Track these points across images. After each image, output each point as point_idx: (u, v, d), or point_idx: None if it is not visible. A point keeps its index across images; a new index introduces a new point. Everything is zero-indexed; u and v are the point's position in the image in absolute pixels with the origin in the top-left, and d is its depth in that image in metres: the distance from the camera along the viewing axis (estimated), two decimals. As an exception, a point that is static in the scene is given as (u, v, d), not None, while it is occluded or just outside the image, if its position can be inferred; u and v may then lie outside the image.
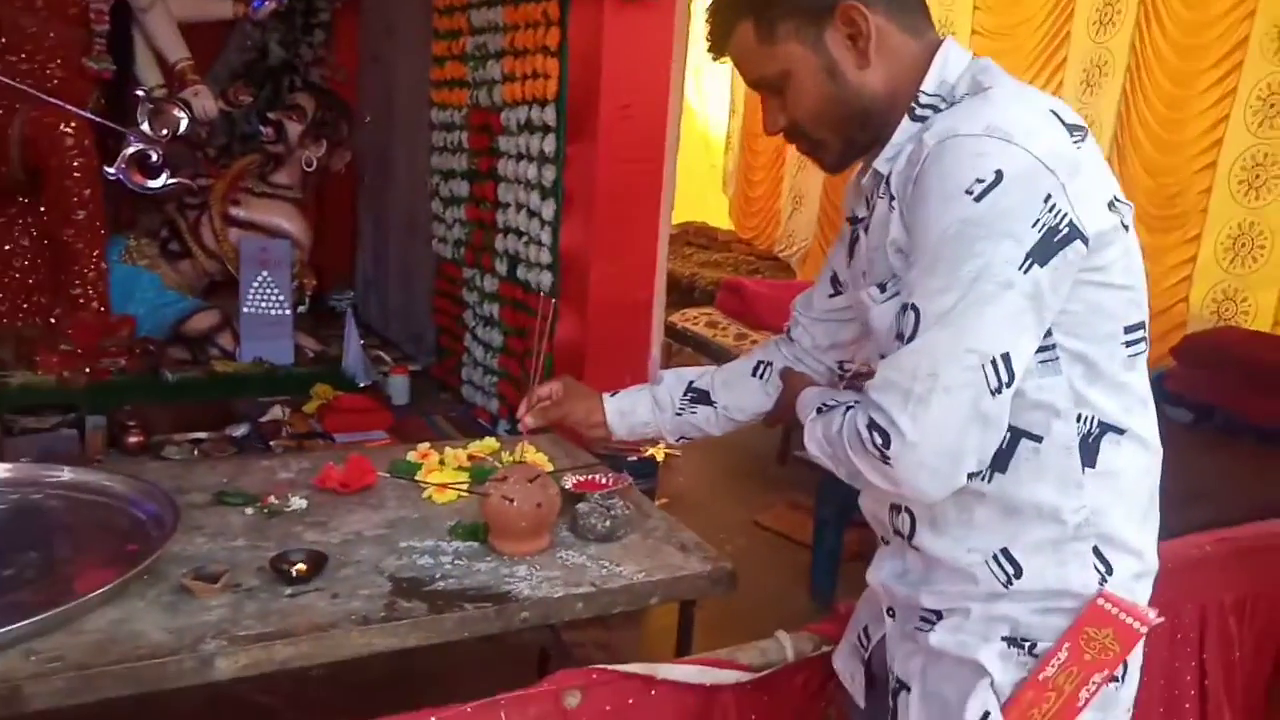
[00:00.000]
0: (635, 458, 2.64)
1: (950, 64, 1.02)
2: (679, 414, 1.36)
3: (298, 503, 1.53)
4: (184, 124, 3.31)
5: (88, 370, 3.08)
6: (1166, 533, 1.09)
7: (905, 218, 0.96)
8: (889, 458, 0.92)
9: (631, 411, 1.38)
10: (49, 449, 2.61)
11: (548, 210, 2.92)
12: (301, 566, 1.30)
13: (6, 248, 3.33)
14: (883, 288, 1.02)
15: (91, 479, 1.51)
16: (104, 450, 2.68)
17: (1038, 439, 0.97)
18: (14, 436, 2.63)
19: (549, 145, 2.88)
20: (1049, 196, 0.89)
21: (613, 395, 1.41)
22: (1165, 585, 1.09)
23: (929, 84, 1.02)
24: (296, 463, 1.73)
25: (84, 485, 1.50)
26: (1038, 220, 0.89)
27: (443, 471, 1.64)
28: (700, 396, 1.35)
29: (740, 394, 1.35)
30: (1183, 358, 3.03)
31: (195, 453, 2.70)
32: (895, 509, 1.08)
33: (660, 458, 2.79)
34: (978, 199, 0.89)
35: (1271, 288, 3.43)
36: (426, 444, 1.76)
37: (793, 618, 2.40)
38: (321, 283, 3.89)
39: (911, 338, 0.92)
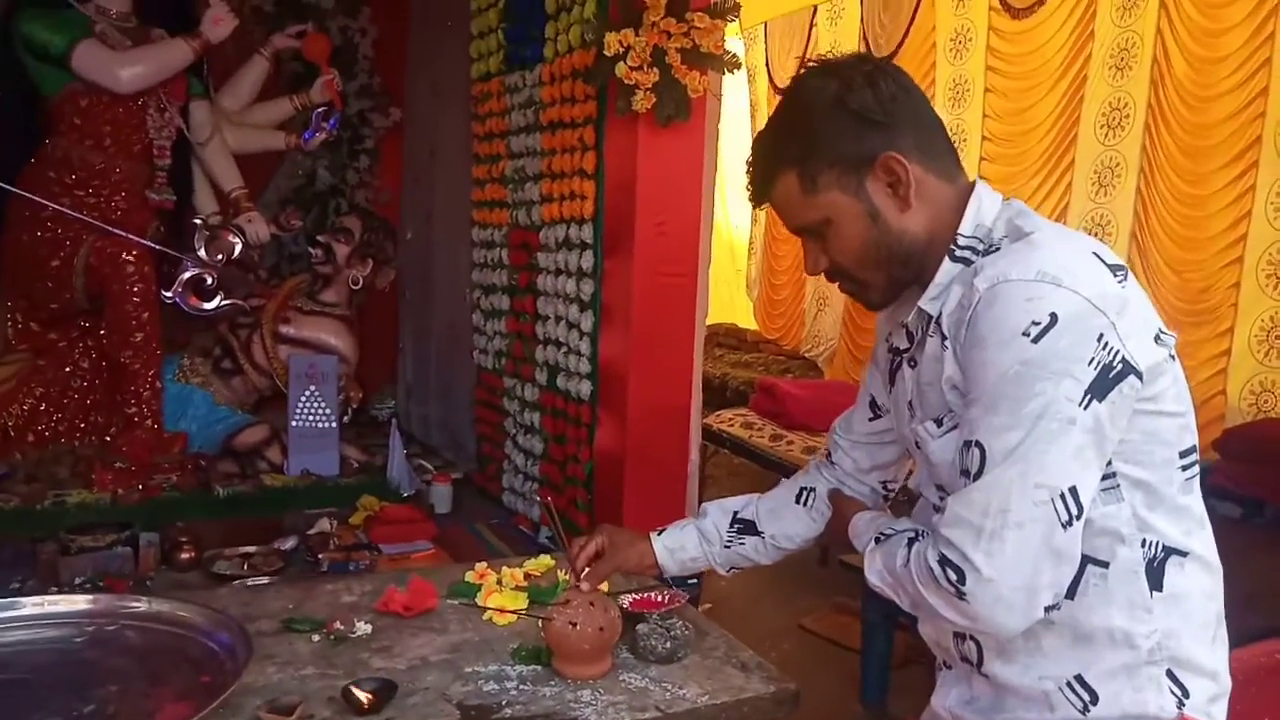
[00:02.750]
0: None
1: (984, 208, 1.08)
2: (727, 546, 1.42)
3: (363, 628, 1.56)
4: (238, 249, 3.47)
5: (141, 487, 3.15)
6: (1231, 641, 1.09)
7: (960, 358, 1.01)
8: (964, 594, 0.94)
9: (680, 548, 1.45)
10: (104, 567, 2.66)
11: (586, 322, 3.02)
12: (369, 696, 1.33)
13: (66, 369, 3.47)
14: (939, 422, 1.06)
15: (166, 609, 1.55)
16: (156, 567, 2.73)
17: (1104, 565, 1.00)
18: (71, 555, 2.69)
19: (586, 261, 3.00)
20: (1101, 335, 0.94)
21: (659, 534, 1.47)
22: (1239, 698, 1.09)
23: (965, 227, 1.07)
24: (359, 586, 1.77)
25: (159, 616, 1.54)
26: (1093, 359, 0.93)
27: (501, 593, 1.67)
28: (747, 527, 1.40)
29: (787, 522, 1.39)
30: (1225, 451, 3.02)
31: (245, 567, 2.74)
32: (960, 636, 1.10)
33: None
34: (1035, 340, 0.93)
35: (1308, 378, 3.43)
36: (484, 564, 1.79)
37: (847, 728, 2.36)
38: (365, 393, 3.99)
39: (979, 474, 0.95)
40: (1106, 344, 0.94)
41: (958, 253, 1.07)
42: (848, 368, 5.79)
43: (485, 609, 1.60)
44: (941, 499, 1.09)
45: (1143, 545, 1.00)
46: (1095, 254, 1.01)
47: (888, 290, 1.14)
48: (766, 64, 6.49)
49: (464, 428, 4.02)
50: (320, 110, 3.82)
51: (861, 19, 5.67)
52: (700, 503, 3.33)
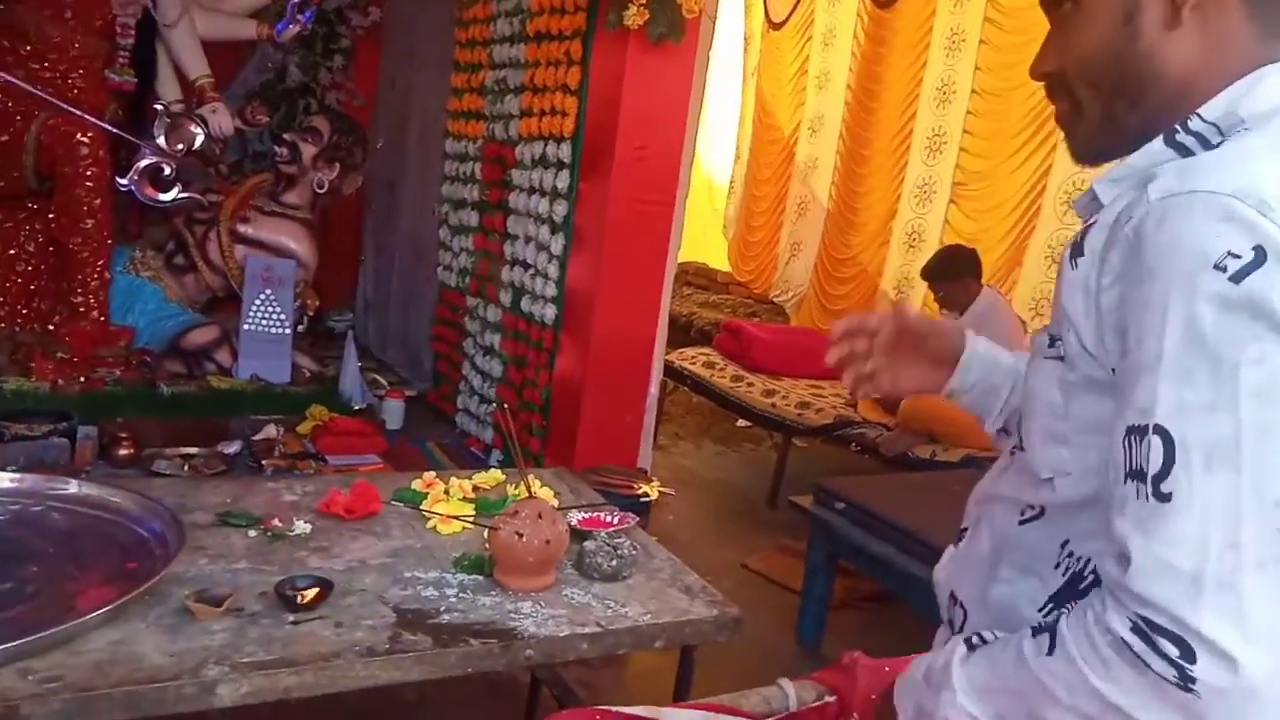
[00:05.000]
0: (627, 494, 2.64)
1: (1262, 93, 0.75)
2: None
3: (302, 527, 1.52)
4: (199, 140, 3.32)
5: (82, 379, 3.06)
6: None
7: (1105, 295, 0.74)
8: (1194, 680, 0.63)
9: (994, 361, 1.06)
10: (38, 456, 2.58)
11: (557, 245, 2.95)
12: (308, 594, 1.29)
13: (10, 251, 3.32)
14: (1052, 341, 0.81)
15: (95, 493, 1.50)
16: (93, 461, 2.66)
17: None
18: (4, 443, 2.61)
19: (562, 181, 2.91)
20: None
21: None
22: None
23: (1217, 105, 0.76)
24: (301, 486, 1.72)
25: (87, 500, 1.49)
26: None
27: (448, 502, 1.64)
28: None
29: None
30: None
31: (186, 468, 2.67)
32: (953, 599, 0.93)
33: (654, 495, 2.80)
34: (1236, 280, 0.66)
35: None
36: (431, 473, 1.75)
37: (781, 663, 2.39)
38: (322, 303, 3.90)
39: (1164, 479, 0.66)
40: None
41: (1179, 135, 0.76)
42: (814, 316, 5.78)
43: (430, 514, 1.56)
44: (1016, 449, 0.88)
45: None
46: None
47: (1101, 132, 0.83)
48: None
49: (422, 345, 3.95)
50: (296, 1, 3.64)
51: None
52: (656, 437, 3.34)
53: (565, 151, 2.89)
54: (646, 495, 2.76)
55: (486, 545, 1.43)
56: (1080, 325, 0.77)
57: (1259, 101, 0.75)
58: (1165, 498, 0.66)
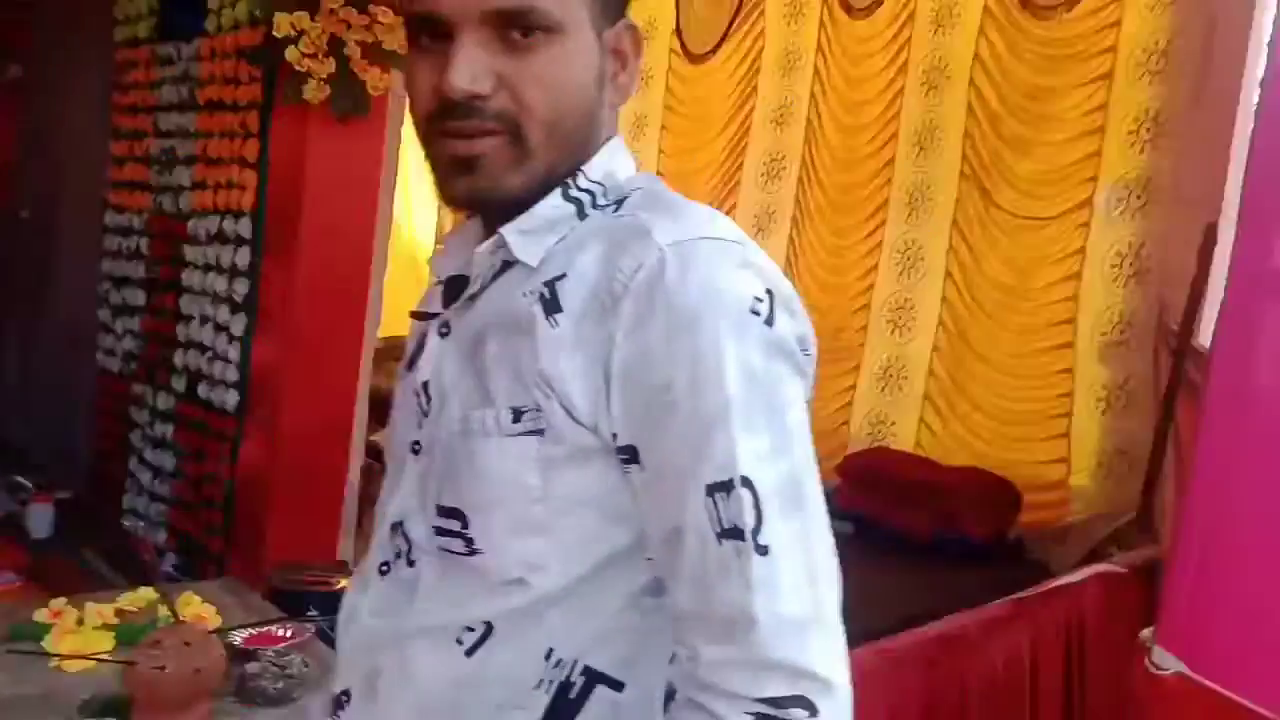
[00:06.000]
0: (324, 590, 2.45)
1: (620, 160, 0.80)
2: None
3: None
4: None
5: None
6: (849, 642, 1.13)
7: (620, 348, 0.67)
8: None
9: None
10: None
11: (237, 325, 2.73)
12: None
13: None
14: (518, 415, 0.70)
15: None
16: None
17: None
18: None
19: (242, 258, 2.71)
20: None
21: None
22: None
23: (596, 168, 0.77)
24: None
25: None
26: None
27: (80, 634, 1.41)
28: None
29: None
30: (844, 474, 3.40)
31: None
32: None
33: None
34: (768, 323, 0.67)
35: (912, 412, 3.98)
36: (63, 599, 1.51)
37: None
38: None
39: (757, 533, 0.64)
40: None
41: (573, 191, 0.75)
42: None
43: (52, 655, 1.34)
44: (442, 540, 0.74)
45: None
46: None
47: (528, 181, 0.74)
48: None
49: (76, 439, 3.47)
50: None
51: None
52: (359, 525, 3.14)
53: (245, 227, 2.70)
54: (345, 589, 2.57)
55: (124, 682, 1.24)
56: (572, 390, 0.68)
57: (623, 165, 0.79)
58: (765, 550, 0.64)
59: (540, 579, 0.71)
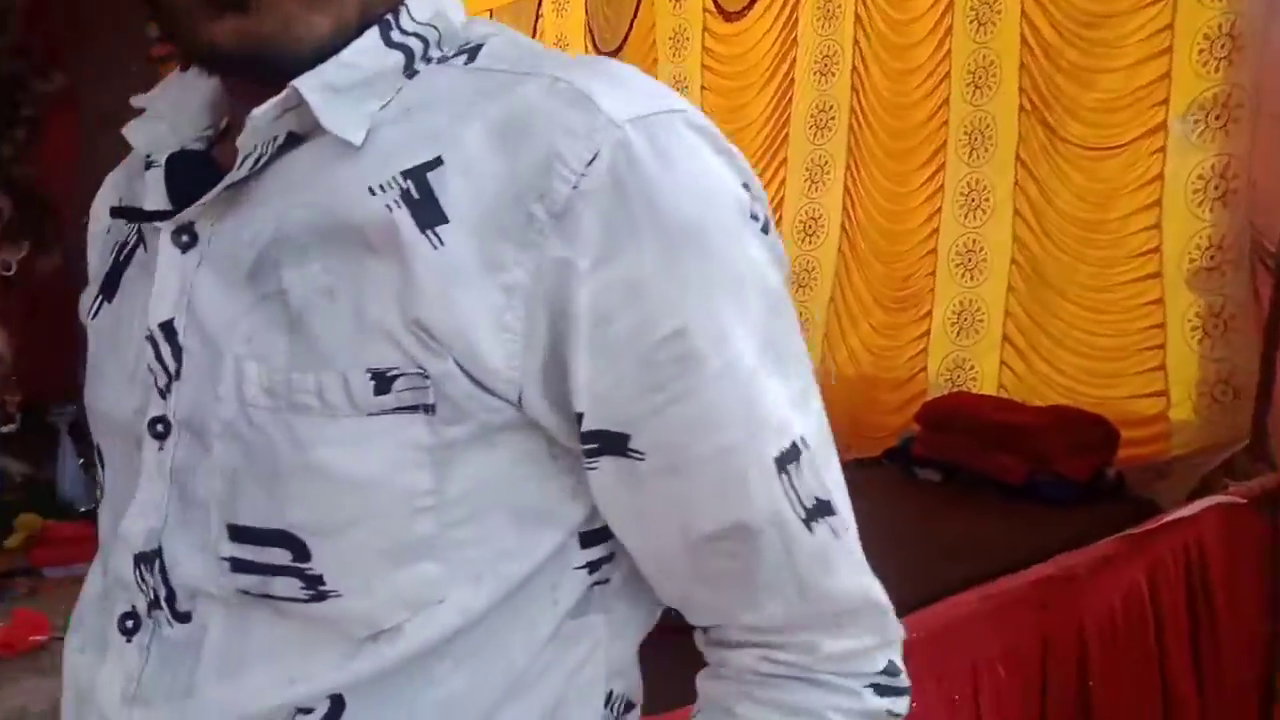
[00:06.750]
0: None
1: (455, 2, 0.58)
2: None
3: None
4: None
5: None
6: (936, 592, 1.09)
7: (586, 278, 0.47)
8: (905, 688, 0.58)
9: None
10: None
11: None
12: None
13: None
14: (385, 382, 0.47)
15: None
16: None
17: None
18: None
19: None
20: None
21: None
22: (936, 648, 1.09)
23: (421, 5, 0.55)
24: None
25: None
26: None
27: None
28: None
29: None
30: (925, 422, 3.30)
31: None
32: None
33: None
34: (765, 229, 0.52)
35: (992, 355, 3.87)
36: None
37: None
38: (35, 396, 3.40)
39: (833, 496, 0.53)
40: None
41: (397, 36, 0.53)
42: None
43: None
44: (247, 580, 0.51)
45: None
46: None
47: (356, 13, 0.52)
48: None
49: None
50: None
51: (586, 11, 5.72)
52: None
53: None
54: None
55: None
56: (478, 342, 0.47)
57: (451, 6, 0.57)
58: (845, 514, 0.54)
59: (426, 622, 0.49)
